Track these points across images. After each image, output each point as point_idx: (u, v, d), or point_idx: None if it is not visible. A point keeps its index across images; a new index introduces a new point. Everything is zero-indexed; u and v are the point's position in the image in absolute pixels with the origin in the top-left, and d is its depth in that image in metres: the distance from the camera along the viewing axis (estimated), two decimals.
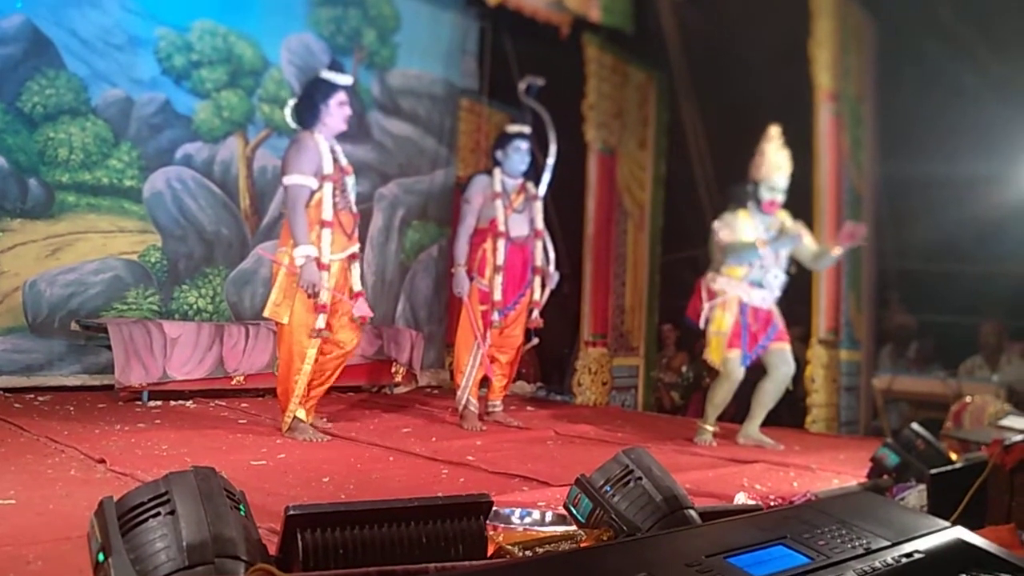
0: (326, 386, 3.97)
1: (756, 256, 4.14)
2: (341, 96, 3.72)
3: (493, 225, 4.40)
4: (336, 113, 3.71)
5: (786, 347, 4.27)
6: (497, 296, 4.38)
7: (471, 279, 4.40)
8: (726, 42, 6.08)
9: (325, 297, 3.67)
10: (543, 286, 4.60)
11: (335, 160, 3.73)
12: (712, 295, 4.24)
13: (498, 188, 4.44)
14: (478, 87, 6.98)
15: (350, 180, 3.80)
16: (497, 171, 4.48)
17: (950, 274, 5.86)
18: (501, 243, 4.38)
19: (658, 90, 6.92)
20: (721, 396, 4.25)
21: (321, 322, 3.67)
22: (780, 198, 4.23)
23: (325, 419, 4.19)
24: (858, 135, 5.94)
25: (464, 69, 6.92)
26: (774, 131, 4.29)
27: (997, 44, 5.33)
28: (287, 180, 3.64)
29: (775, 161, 4.21)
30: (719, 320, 4.21)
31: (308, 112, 3.72)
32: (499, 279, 4.39)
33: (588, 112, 6.37)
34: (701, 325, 4.24)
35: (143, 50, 5.23)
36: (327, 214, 3.65)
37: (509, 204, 4.45)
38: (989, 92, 5.35)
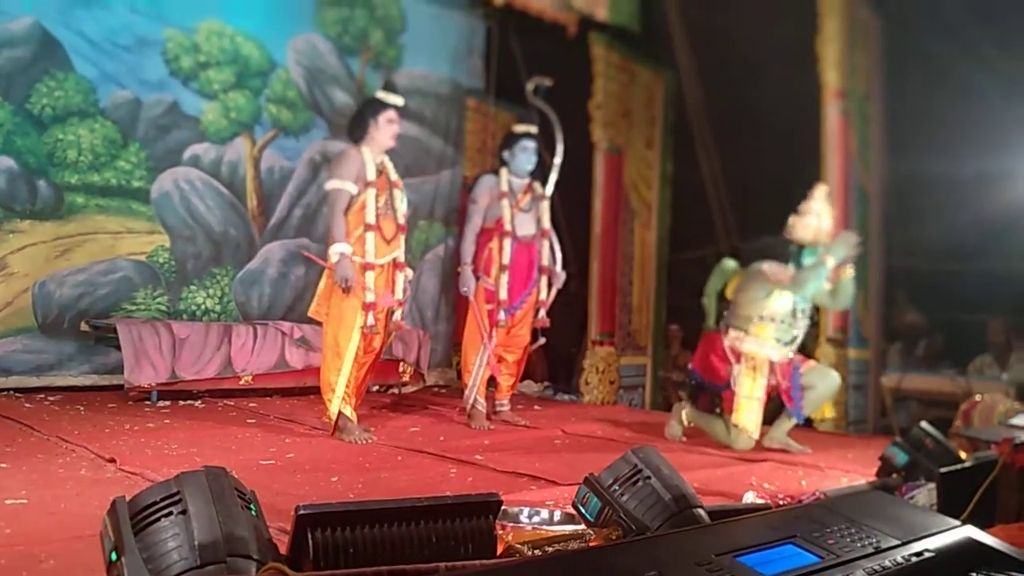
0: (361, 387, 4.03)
1: (827, 273, 3.92)
2: (391, 114, 3.92)
3: (499, 224, 4.41)
4: (385, 129, 3.90)
5: (814, 363, 4.19)
6: (503, 295, 4.39)
7: (477, 278, 4.41)
8: (733, 40, 6.06)
9: (370, 296, 3.79)
10: (549, 286, 4.60)
11: (382, 172, 3.91)
12: (739, 357, 4.02)
13: (504, 187, 4.44)
14: (484, 87, 6.98)
15: (398, 193, 3.98)
16: (504, 171, 4.49)
17: (959, 272, 5.84)
18: (507, 242, 4.39)
19: (665, 89, 6.91)
20: (715, 436, 4.08)
21: (371, 319, 3.80)
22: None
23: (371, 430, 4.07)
24: (866, 133, 5.92)
25: (471, 69, 6.92)
26: (823, 192, 4.08)
27: (1004, 42, 5.30)
28: (327, 185, 3.89)
29: (828, 228, 4.03)
30: (751, 385, 3.98)
31: (358, 128, 3.94)
32: (505, 278, 4.39)
33: (595, 111, 6.36)
34: (732, 386, 4.00)
35: (151, 51, 5.25)
36: (370, 217, 3.81)
37: (515, 203, 4.46)
38: (997, 90, 5.33)
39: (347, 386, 3.81)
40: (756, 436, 3.98)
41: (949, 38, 5.42)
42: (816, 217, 4.02)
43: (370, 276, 3.80)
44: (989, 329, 5.77)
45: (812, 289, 3.98)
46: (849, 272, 4.04)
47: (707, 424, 4.14)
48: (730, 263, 4.34)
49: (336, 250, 3.75)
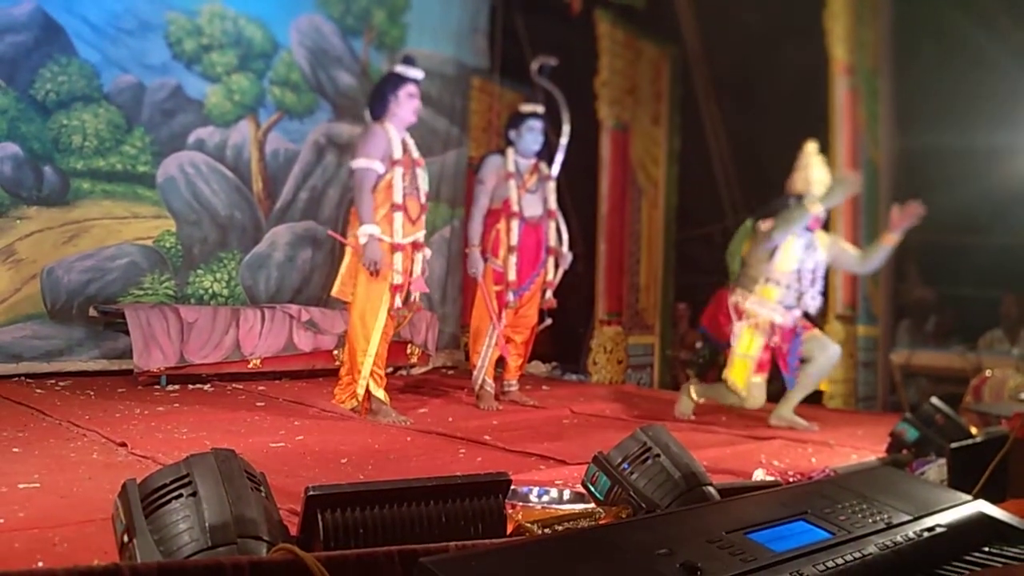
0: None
1: (808, 216, 3.90)
2: (411, 88, 3.85)
3: (506, 205, 4.39)
4: (406, 104, 3.84)
5: (818, 333, 4.18)
6: (511, 276, 4.38)
7: (485, 260, 4.40)
8: (740, 15, 5.99)
9: (398, 279, 3.76)
10: (557, 266, 4.59)
11: (406, 150, 3.85)
12: (741, 315, 4.04)
13: (511, 168, 4.42)
14: (489, 66, 6.93)
15: (420, 171, 3.93)
16: (510, 151, 4.46)
17: (969, 247, 5.79)
18: (515, 223, 4.38)
19: (671, 65, 6.84)
20: (727, 402, 4.12)
21: (398, 301, 3.80)
22: (823, 215, 4.08)
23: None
24: (874, 108, 5.86)
25: (475, 48, 6.87)
26: (812, 147, 4.12)
27: (1018, 11, 5.22)
28: (353, 164, 3.80)
29: (820, 177, 4.04)
30: (748, 343, 4.00)
31: (379, 104, 3.86)
32: (513, 259, 4.38)
33: (601, 89, 6.31)
34: (732, 343, 4.03)
35: (153, 35, 5.23)
36: (398, 197, 3.76)
37: (522, 184, 4.44)
38: (1009, 61, 5.25)
39: (375, 367, 3.81)
40: (745, 395, 4.00)
41: (961, 8, 5.34)
42: (804, 169, 4.06)
43: (398, 257, 3.76)
44: (1000, 304, 5.73)
45: (783, 229, 3.93)
46: (891, 238, 4.03)
47: (717, 393, 4.17)
48: (749, 223, 4.34)
49: (365, 231, 3.68)
